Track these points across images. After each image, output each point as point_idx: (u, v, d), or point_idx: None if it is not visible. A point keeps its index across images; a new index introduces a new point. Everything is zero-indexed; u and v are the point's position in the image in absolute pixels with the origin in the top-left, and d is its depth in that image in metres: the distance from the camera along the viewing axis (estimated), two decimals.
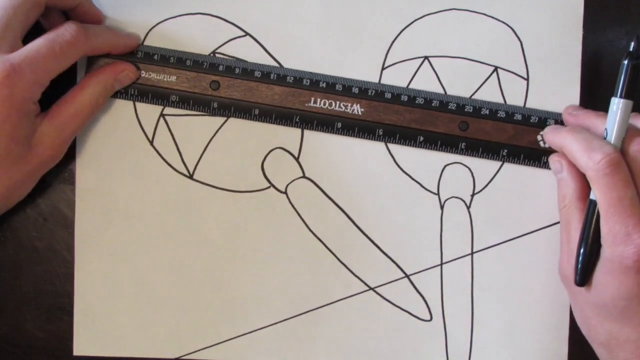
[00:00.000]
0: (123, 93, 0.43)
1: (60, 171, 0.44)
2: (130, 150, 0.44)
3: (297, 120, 0.43)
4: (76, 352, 0.45)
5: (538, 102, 0.44)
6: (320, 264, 0.44)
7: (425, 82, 0.44)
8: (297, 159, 0.44)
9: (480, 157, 0.43)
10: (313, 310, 0.44)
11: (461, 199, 0.44)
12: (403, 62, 0.44)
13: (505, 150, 0.43)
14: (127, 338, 0.45)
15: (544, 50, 0.44)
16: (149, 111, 0.44)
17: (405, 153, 0.44)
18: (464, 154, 0.43)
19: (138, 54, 0.43)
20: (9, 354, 0.45)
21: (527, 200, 0.44)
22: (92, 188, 0.44)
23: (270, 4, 0.44)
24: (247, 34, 0.44)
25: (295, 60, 0.44)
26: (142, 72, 0.43)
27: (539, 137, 0.42)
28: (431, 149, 0.43)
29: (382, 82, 0.44)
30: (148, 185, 0.44)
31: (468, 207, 0.44)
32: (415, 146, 0.43)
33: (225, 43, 0.44)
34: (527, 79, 0.44)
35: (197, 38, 0.44)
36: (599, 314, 0.38)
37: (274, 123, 0.43)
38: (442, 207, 0.44)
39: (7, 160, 0.39)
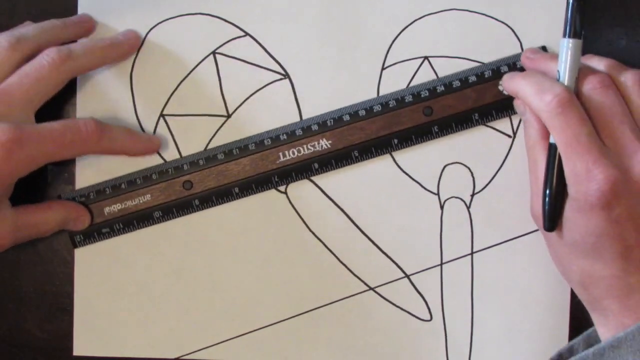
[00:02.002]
0: (110, 231, 0.44)
1: (60, 171, 0.44)
2: None
3: (276, 180, 0.43)
4: (76, 352, 0.45)
5: None
6: (320, 264, 0.44)
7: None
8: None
9: (456, 131, 0.43)
10: (313, 310, 0.44)
11: (461, 199, 0.44)
12: (403, 62, 0.44)
13: (476, 114, 0.43)
14: (127, 338, 0.45)
15: (543, 50, 0.44)
16: (149, 111, 0.44)
17: (405, 153, 0.44)
18: (440, 136, 0.43)
19: (106, 190, 0.43)
20: (9, 354, 0.45)
21: (527, 200, 0.44)
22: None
23: (270, 4, 0.44)
24: (247, 34, 0.44)
25: (295, 60, 0.44)
26: (118, 204, 0.43)
27: (500, 88, 0.42)
28: (407, 146, 0.43)
29: (382, 82, 0.44)
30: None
31: (468, 207, 0.44)
32: (393, 150, 0.43)
33: (225, 43, 0.44)
34: None
35: (197, 38, 0.44)
36: (571, 252, 0.38)
37: (255, 192, 0.44)
38: (442, 207, 0.44)
39: None
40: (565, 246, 0.39)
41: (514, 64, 0.43)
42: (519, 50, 0.44)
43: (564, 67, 0.38)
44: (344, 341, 0.44)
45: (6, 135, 0.36)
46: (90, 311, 0.45)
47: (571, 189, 0.37)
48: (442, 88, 0.43)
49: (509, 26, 0.44)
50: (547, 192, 0.38)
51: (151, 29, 0.44)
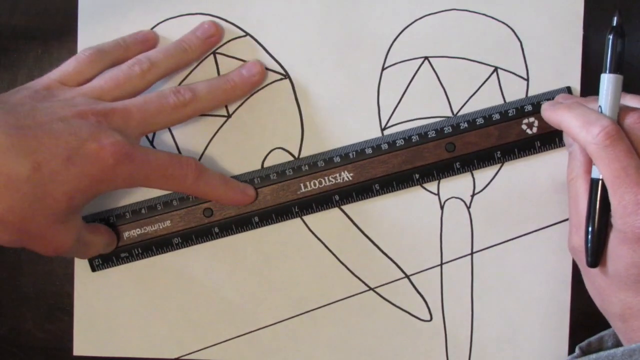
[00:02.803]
0: (128, 256, 0.44)
1: None
2: None
3: (296, 210, 0.43)
4: (76, 352, 0.45)
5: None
6: (320, 264, 0.44)
7: (425, 83, 0.44)
8: (297, 159, 0.44)
9: (477, 168, 0.43)
10: (313, 310, 0.44)
11: (461, 199, 0.44)
12: (403, 62, 0.44)
13: (499, 152, 0.43)
14: (127, 338, 0.45)
15: (544, 50, 0.44)
16: None
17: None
18: (462, 172, 0.43)
19: (126, 215, 0.44)
20: (9, 354, 0.45)
21: (527, 200, 0.44)
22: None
23: (270, 4, 0.44)
24: (247, 34, 0.44)
25: (295, 60, 0.44)
26: (137, 229, 0.44)
27: (524, 127, 0.42)
28: (430, 181, 0.43)
29: (382, 82, 0.44)
30: None
31: (468, 207, 0.44)
32: (414, 184, 0.43)
33: (225, 43, 0.44)
34: (527, 79, 0.44)
35: None
36: (613, 284, 0.38)
37: (275, 222, 0.44)
38: (442, 207, 0.44)
39: (49, 220, 0.37)
40: (607, 278, 0.38)
41: (538, 103, 0.43)
42: (519, 50, 0.44)
43: (605, 102, 0.38)
44: (344, 341, 0.44)
45: (119, 146, 0.37)
46: (90, 311, 0.45)
47: (617, 221, 0.37)
48: (466, 125, 0.43)
49: (509, 26, 0.44)
50: (590, 227, 0.38)
51: (151, 29, 0.44)
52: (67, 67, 0.41)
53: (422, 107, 0.44)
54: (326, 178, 0.43)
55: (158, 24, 0.44)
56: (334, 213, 0.44)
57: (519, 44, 0.44)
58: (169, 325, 0.45)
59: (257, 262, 0.44)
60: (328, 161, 0.43)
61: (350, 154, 0.43)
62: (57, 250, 0.39)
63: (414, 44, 0.44)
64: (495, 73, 0.44)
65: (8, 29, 0.45)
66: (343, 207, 0.44)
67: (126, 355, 0.45)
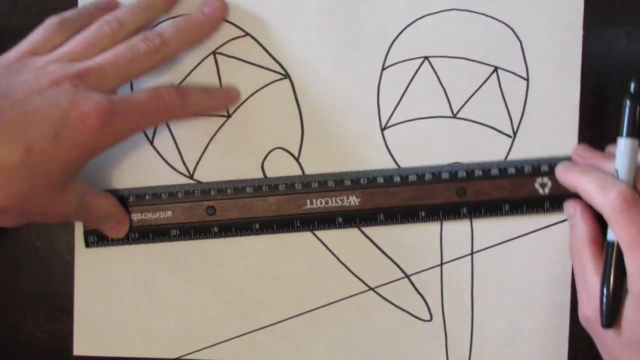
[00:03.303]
0: (124, 239, 0.44)
1: None
2: (130, 150, 0.44)
3: (298, 224, 0.43)
4: (76, 352, 0.45)
5: (538, 102, 0.44)
6: (320, 264, 0.44)
7: (425, 83, 0.44)
8: (297, 159, 0.44)
9: (483, 217, 0.43)
10: (313, 310, 0.44)
11: None
12: (403, 62, 0.44)
13: (507, 205, 0.43)
14: (127, 338, 0.45)
15: (544, 50, 0.44)
16: None
17: (405, 153, 0.44)
18: (467, 218, 0.43)
19: (130, 198, 0.43)
20: (9, 354, 0.45)
21: None
22: (92, 188, 0.44)
23: (270, 4, 0.44)
24: (247, 34, 0.44)
25: (295, 60, 0.44)
26: (138, 214, 0.43)
27: (537, 186, 0.43)
28: (434, 220, 0.43)
29: (382, 82, 0.44)
30: (148, 186, 0.44)
31: None
32: (419, 221, 0.43)
33: (225, 43, 0.44)
34: (527, 79, 0.44)
35: None
36: (630, 351, 0.38)
37: (276, 232, 0.44)
38: None
39: (50, 193, 0.38)
40: (624, 345, 0.38)
41: (554, 165, 0.43)
42: (519, 50, 0.44)
43: (621, 166, 0.39)
44: (344, 341, 0.44)
45: (101, 106, 0.37)
46: (90, 311, 0.45)
47: (634, 286, 0.37)
48: (480, 173, 0.43)
49: (509, 26, 0.44)
50: (605, 290, 0.38)
51: (151, 29, 0.44)
52: (36, 36, 0.41)
53: (422, 107, 0.44)
54: (333, 199, 0.43)
55: (158, 23, 0.44)
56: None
57: (519, 44, 0.44)
58: (169, 325, 0.45)
59: (257, 262, 0.44)
60: (338, 182, 0.43)
61: (362, 180, 0.43)
62: (62, 217, 0.40)
63: (414, 44, 0.44)
64: (495, 73, 0.44)
65: (8, 29, 0.45)
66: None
67: (126, 355, 0.45)
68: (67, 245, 0.45)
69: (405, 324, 0.44)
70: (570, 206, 0.42)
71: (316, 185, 0.43)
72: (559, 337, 0.44)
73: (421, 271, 0.44)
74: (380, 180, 0.43)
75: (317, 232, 0.44)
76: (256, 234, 0.44)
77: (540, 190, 0.43)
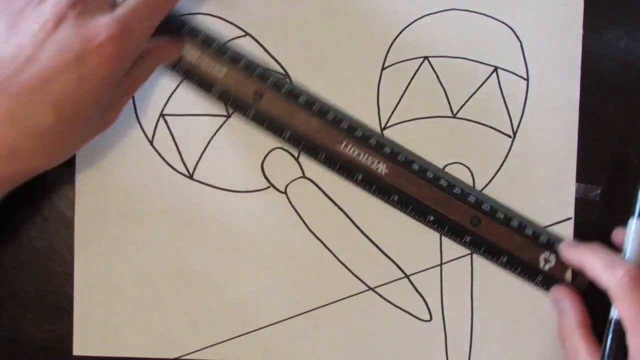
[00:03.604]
0: (170, 66, 0.43)
1: (60, 171, 0.44)
2: (130, 150, 0.44)
3: (322, 157, 0.43)
4: (76, 352, 0.45)
5: (538, 102, 0.44)
6: (320, 264, 0.44)
7: (425, 82, 0.44)
8: (297, 159, 0.44)
9: (480, 255, 0.43)
10: (313, 310, 0.44)
11: None
12: (403, 62, 0.44)
13: (505, 258, 0.43)
14: (127, 338, 0.45)
15: (544, 50, 0.44)
16: (149, 111, 0.44)
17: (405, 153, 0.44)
18: (466, 247, 0.43)
19: (198, 35, 0.43)
20: (9, 354, 0.45)
21: (527, 200, 0.44)
22: (92, 188, 0.44)
23: (270, 4, 0.44)
24: (247, 34, 0.44)
25: (295, 60, 0.44)
26: (198, 53, 0.42)
27: (540, 258, 0.43)
28: (436, 230, 0.43)
29: (382, 82, 0.44)
30: (148, 185, 0.44)
31: None
32: (423, 224, 0.43)
33: (225, 43, 0.44)
34: (527, 79, 0.44)
35: None
36: None
37: (301, 153, 0.43)
38: None
39: (91, 125, 0.38)
40: None
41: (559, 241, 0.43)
42: (519, 50, 0.44)
43: (631, 246, 0.39)
44: (344, 341, 0.44)
45: (112, 31, 0.36)
46: (90, 311, 0.45)
47: None
48: (501, 216, 0.43)
49: (509, 26, 0.44)
50: None
51: None
52: None
53: (422, 107, 0.44)
54: (366, 156, 0.42)
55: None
56: (334, 213, 0.44)
57: (519, 44, 0.44)
58: (169, 325, 0.45)
59: (257, 262, 0.44)
60: (379, 145, 0.43)
61: (400, 156, 0.43)
62: (115, 118, 0.40)
63: (414, 44, 0.44)
64: (495, 73, 0.44)
65: None
66: (343, 206, 0.44)
67: (126, 355, 0.45)
68: (67, 245, 0.45)
69: (405, 324, 0.44)
70: (557, 291, 0.42)
71: (360, 134, 0.43)
72: (558, 337, 0.44)
73: (421, 271, 0.44)
74: (416, 167, 0.43)
75: (317, 232, 0.44)
76: (284, 141, 0.43)
77: (541, 264, 0.43)
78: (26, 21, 0.36)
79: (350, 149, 0.43)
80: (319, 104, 0.43)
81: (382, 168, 0.43)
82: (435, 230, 0.43)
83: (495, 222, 0.43)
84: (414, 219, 0.43)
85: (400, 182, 0.43)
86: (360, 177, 0.43)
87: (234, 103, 0.43)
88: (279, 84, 0.43)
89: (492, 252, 0.43)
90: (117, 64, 0.37)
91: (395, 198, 0.43)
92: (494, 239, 0.43)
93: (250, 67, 0.43)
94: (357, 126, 0.43)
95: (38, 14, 0.36)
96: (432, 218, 0.43)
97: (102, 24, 0.36)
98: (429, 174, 0.43)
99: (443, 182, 0.43)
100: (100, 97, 0.37)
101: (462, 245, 0.43)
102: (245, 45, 0.44)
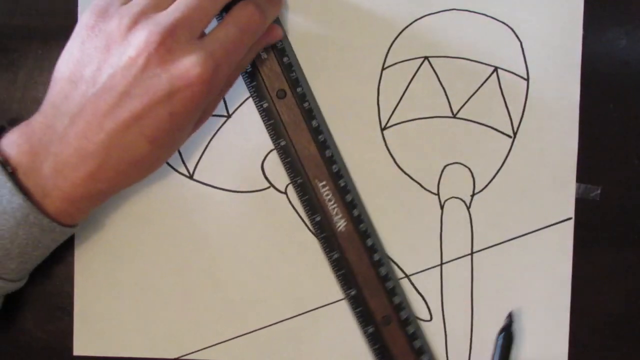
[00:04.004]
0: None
1: None
2: None
3: (297, 181, 0.43)
4: (76, 352, 0.45)
5: (538, 102, 0.44)
6: (320, 264, 0.44)
7: (425, 82, 0.44)
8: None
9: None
10: (313, 310, 0.44)
11: (461, 199, 0.44)
12: (403, 62, 0.44)
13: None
14: (127, 338, 0.45)
15: (544, 50, 0.44)
16: None
17: (405, 153, 0.44)
18: (366, 337, 0.43)
19: None
20: (9, 354, 0.45)
21: (527, 200, 0.44)
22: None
23: None
24: None
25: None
26: None
27: None
28: (349, 306, 0.44)
29: (382, 82, 0.44)
30: (148, 185, 0.44)
31: (468, 207, 0.44)
32: (343, 292, 0.44)
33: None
34: (527, 79, 0.44)
35: None
36: None
37: (284, 166, 0.44)
38: (442, 207, 0.44)
39: (177, 147, 0.40)
40: None
41: None
42: (519, 50, 0.44)
43: None
44: (344, 341, 0.44)
45: (201, 70, 0.36)
46: (90, 311, 0.45)
47: None
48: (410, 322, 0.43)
49: (509, 26, 0.44)
50: None
51: None
52: None
53: (422, 107, 0.44)
54: (335, 207, 0.43)
55: None
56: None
57: (519, 44, 0.44)
58: (169, 325, 0.45)
59: (257, 262, 0.44)
60: (351, 204, 0.43)
61: (362, 225, 0.43)
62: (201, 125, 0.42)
63: (414, 44, 0.44)
64: (495, 73, 0.44)
65: (8, 29, 0.45)
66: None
67: (126, 355, 0.45)
68: (67, 245, 0.45)
69: None
70: None
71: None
72: (559, 337, 0.44)
73: (421, 271, 0.44)
74: (369, 242, 0.43)
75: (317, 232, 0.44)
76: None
77: None
78: (118, 50, 0.37)
79: (326, 191, 0.43)
80: (324, 137, 0.43)
81: (341, 224, 0.43)
82: (348, 305, 0.44)
83: (400, 328, 0.43)
84: (338, 284, 0.44)
85: (348, 246, 0.43)
86: (317, 218, 0.43)
87: (256, 87, 0.43)
88: (303, 97, 0.43)
89: (384, 356, 0.43)
90: (205, 98, 0.37)
91: (335, 256, 0.43)
92: (391, 345, 0.43)
93: (288, 67, 0.43)
94: (347, 180, 0.43)
95: (129, 47, 0.36)
96: (353, 293, 0.43)
97: (191, 63, 0.36)
98: (376, 257, 0.43)
99: (382, 271, 0.43)
100: (189, 126, 0.39)
101: (364, 333, 0.43)
102: None
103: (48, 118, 0.37)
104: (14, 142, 0.37)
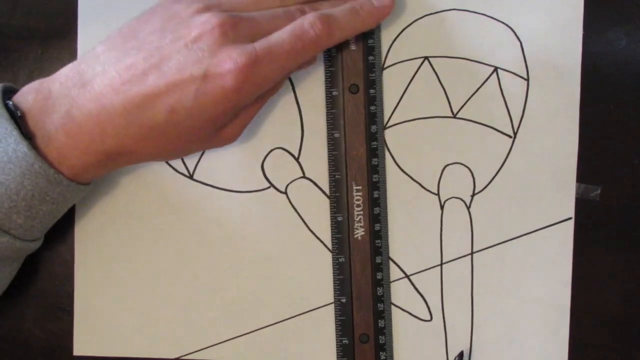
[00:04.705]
0: None
1: None
2: None
3: (334, 177, 0.43)
4: (76, 352, 0.45)
5: (538, 102, 0.44)
6: (320, 264, 0.44)
7: (425, 83, 0.44)
8: (297, 159, 0.44)
9: None
10: (313, 310, 0.44)
11: (461, 199, 0.44)
12: (403, 62, 0.44)
13: None
14: (127, 338, 0.45)
15: (544, 50, 0.44)
16: None
17: (406, 153, 0.44)
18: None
19: None
20: (9, 354, 0.45)
21: (527, 200, 0.44)
22: (92, 189, 0.44)
23: None
24: None
25: None
26: None
27: None
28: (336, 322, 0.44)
29: (382, 82, 0.44)
30: (148, 185, 0.44)
31: (468, 207, 0.44)
32: (334, 296, 0.44)
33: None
34: (527, 79, 0.44)
35: None
36: None
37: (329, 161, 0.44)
38: (442, 207, 0.44)
39: (201, 139, 0.39)
40: None
41: None
42: (519, 50, 0.44)
43: None
44: None
45: (240, 64, 0.36)
46: (90, 311, 0.45)
47: None
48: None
49: (509, 26, 0.44)
50: None
51: None
52: None
53: (422, 107, 0.44)
54: (360, 214, 0.43)
55: None
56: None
57: (519, 44, 0.44)
58: (169, 325, 0.45)
59: (257, 262, 0.44)
60: (374, 217, 0.43)
61: (378, 241, 0.43)
62: (233, 139, 0.41)
63: (414, 44, 0.44)
64: (495, 73, 0.44)
65: (8, 29, 0.45)
66: None
67: (126, 355, 0.45)
68: (67, 245, 0.45)
69: (405, 324, 0.44)
70: None
71: None
72: (559, 337, 0.44)
73: (421, 271, 0.44)
74: (379, 259, 0.43)
75: (317, 232, 0.44)
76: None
77: None
78: (176, 24, 0.37)
79: (358, 196, 0.43)
80: (377, 145, 0.43)
81: (359, 232, 0.43)
82: (334, 310, 0.44)
83: (373, 350, 0.43)
84: (333, 287, 0.44)
85: (357, 255, 0.43)
86: (339, 218, 0.43)
87: (332, 73, 0.43)
88: (372, 100, 0.43)
89: None
90: (234, 94, 0.37)
91: (341, 260, 0.43)
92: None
93: (370, 66, 0.43)
94: (381, 194, 0.43)
95: (189, 21, 0.37)
96: (343, 300, 0.43)
97: (233, 54, 0.36)
98: (379, 275, 0.43)
99: (379, 291, 0.43)
100: (211, 116, 0.38)
101: (337, 343, 0.44)
102: None
103: (81, 65, 0.37)
104: (32, 88, 0.37)
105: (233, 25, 0.37)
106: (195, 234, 0.44)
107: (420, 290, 0.44)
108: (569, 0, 0.44)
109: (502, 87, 0.44)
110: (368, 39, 0.43)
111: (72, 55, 0.44)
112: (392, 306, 0.44)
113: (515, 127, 0.44)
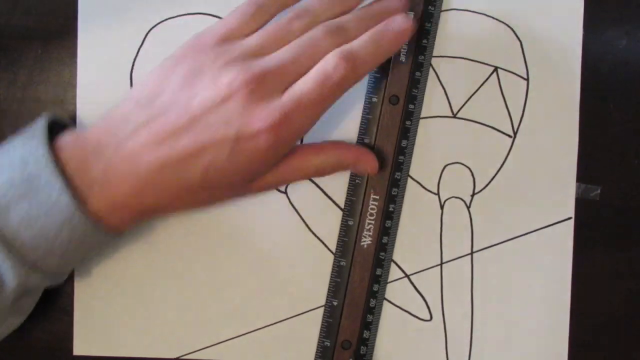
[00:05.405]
0: None
1: None
2: None
3: (354, 179, 0.44)
4: (76, 352, 0.45)
5: (538, 102, 0.44)
6: (320, 264, 0.44)
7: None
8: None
9: None
10: (313, 310, 0.44)
11: (461, 199, 0.44)
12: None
13: None
14: (127, 338, 0.45)
15: (544, 50, 0.44)
16: None
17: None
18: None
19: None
20: (9, 354, 0.45)
21: (527, 200, 0.44)
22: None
23: None
24: None
25: None
26: None
27: None
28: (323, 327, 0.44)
29: None
30: None
31: (468, 207, 0.44)
32: (327, 301, 0.44)
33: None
34: (527, 79, 0.44)
35: None
36: None
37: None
38: (442, 207, 0.44)
39: (236, 192, 0.40)
40: None
41: None
42: (519, 50, 0.44)
43: None
44: None
45: (270, 122, 0.36)
46: (90, 311, 0.45)
47: None
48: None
49: (509, 26, 0.44)
50: None
51: (151, 29, 0.44)
52: (232, 20, 0.39)
53: (422, 107, 0.44)
54: (372, 223, 0.43)
55: (158, 23, 0.44)
56: (334, 212, 0.44)
57: (519, 44, 0.44)
58: (169, 325, 0.45)
59: (257, 262, 0.44)
60: (384, 229, 0.43)
61: (382, 254, 0.43)
62: (269, 188, 0.41)
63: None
64: (495, 73, 0.44)
65: (8, 29, 0.45)
66: (343, 207, 0.44)
67: (126, 355, 0.45)
68: None
69: (405, 324, 0.44)
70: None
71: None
72: (559, 337, 0.44)
73: (421, 271, 0.44)
74: (379, 272, 0.43)
75: (317, 232, 0.44)
76: None
77: None
78: (202, 82, 0.37)
79: (374, 205, 0.43)
80: (403, 159, 0.43)
81: (366, 241, 0.43)
82: (323, 311, 0.44)
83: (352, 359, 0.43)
84: (328, 288, 0.44)
85: (359, 262, 0.43)
86: (350, 222, 0.43)
87: (377, 80, 0.43)
88: (409, 115, 0.43)
89: None
90: (268, 152, 0.37)
91: (342, 263, 0.43)
92: None
93: (415, 82, 0.43)
94: (396, 208, 0.43)
95: (215, 80, 0.37)
96: (334, 303, 0.43)
97: (265, 113, 0.36)
98: (375, 287, 0.43)
99: (372, 302, 0.43)
100: (246, 173, 0.38)
101: (319, 344, 0.44)
102: None
103: (111, 125, 0.38)
104: (68, 142, 0.38)
105: (259, 82, 0.37)
106: (195, 233, 0.44)
107: (420, 290, 0.44)
108: (569, 1, 0.44)
109: (502, 87, 0.44)
110: (419, 55, 0.43)
111: (72, 55, 0.44)
112: (392, 306, 0.44)
113: (515, 126, 0.44)
